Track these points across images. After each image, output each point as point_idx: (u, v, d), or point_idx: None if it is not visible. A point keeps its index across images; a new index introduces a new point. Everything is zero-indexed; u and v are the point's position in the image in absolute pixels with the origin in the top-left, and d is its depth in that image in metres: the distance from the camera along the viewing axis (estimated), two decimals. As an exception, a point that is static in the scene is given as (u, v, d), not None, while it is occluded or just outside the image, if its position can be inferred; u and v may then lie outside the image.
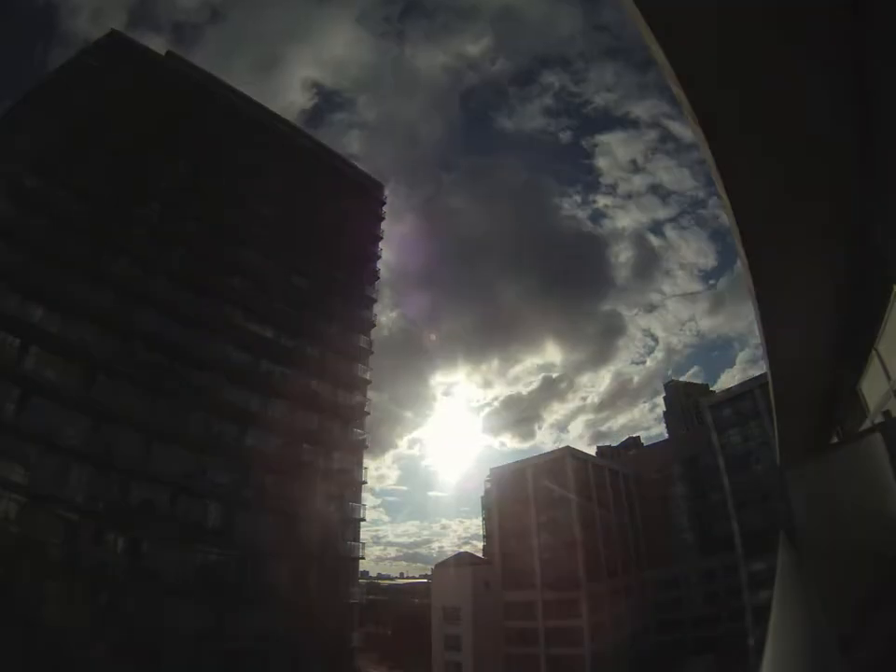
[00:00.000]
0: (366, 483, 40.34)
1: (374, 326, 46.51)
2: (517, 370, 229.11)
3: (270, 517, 34.11)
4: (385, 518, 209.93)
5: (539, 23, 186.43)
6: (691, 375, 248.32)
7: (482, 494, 76.89)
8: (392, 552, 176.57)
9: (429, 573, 67.88)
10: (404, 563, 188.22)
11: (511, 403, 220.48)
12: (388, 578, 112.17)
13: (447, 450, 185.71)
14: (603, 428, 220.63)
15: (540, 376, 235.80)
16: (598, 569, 53.68)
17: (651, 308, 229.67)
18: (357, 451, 40.97)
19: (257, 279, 38.45)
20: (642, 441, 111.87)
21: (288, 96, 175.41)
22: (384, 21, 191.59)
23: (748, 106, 4.82)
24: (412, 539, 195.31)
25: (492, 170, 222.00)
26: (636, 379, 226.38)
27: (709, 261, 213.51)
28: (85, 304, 29.37)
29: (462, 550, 74.22)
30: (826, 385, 11.68)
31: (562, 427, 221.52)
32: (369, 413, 42.53)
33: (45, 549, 25.03)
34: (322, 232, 43.78)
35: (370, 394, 43.75)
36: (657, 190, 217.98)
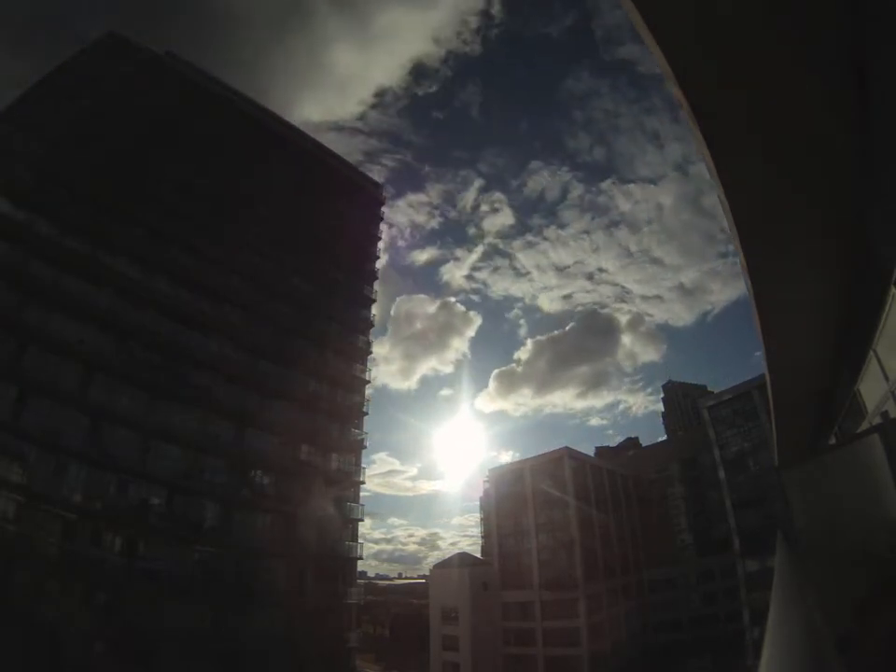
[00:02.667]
0: (364, 483, 40.37)
1: (373, 326, 46.51)
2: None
3: (268, 517, 34.10)
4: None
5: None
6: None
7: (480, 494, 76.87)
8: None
9: (424, 573, 67.83)
10: (377, 562, 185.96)
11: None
12: (386, 578, 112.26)
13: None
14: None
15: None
16: (596, 570, 53.68)
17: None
18: (356, 451, 40.93)
19: (255, 279, 38.41)
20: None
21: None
22: None
23: (747, 107, 4.82)
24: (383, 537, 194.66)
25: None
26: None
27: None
28: (84, 304, 29.31)
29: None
30: (824, 386, 11.70)
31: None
32: (367, 413, 42.53)
33: (43, 548, 24.98)
34: (321, 233, 43.77)
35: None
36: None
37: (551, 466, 58.84)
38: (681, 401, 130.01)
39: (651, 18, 4.05)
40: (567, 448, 60.72)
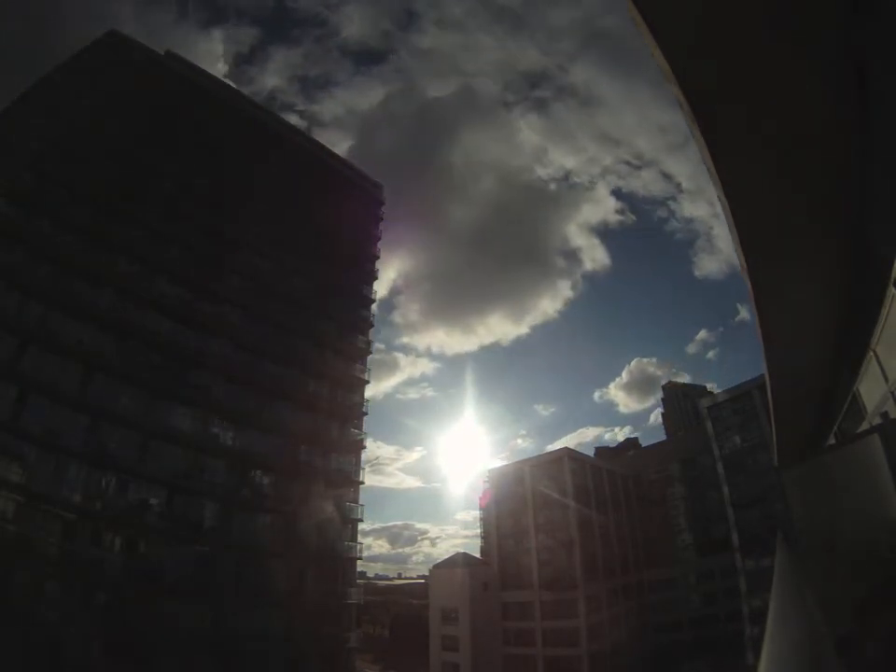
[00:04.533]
0: (363, 483, 40.32)
1: (373, 326, 46.51)
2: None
3: (268, 517, 34.09)
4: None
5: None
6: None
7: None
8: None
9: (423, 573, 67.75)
10: (362, 562, 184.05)
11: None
12: (386, 578, 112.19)
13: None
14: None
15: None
16: (596, 570, 53.67)
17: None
18: (355, 451, 40.92)
19: (255, 279, 38.40)
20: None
21: None
22: None
23: (747, 107, 4.82)
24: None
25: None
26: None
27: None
28: (84, 304, 29.30)
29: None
30: (824, 387, 11.69)
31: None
32: (367, 413, 42.53)
33: (43, 548, 24.96)
34: (320, 232, 43.72)
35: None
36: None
37: (551, 466, 58.87)
38: (681, 401, 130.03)
39: (650, 18, 4.05)
40: (567, 448, 60.91)
